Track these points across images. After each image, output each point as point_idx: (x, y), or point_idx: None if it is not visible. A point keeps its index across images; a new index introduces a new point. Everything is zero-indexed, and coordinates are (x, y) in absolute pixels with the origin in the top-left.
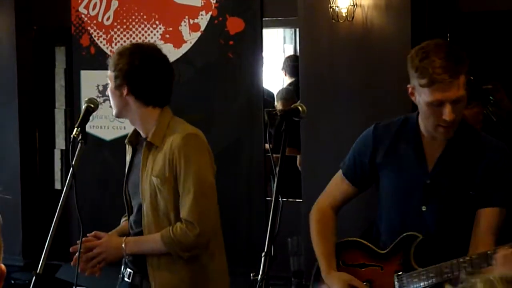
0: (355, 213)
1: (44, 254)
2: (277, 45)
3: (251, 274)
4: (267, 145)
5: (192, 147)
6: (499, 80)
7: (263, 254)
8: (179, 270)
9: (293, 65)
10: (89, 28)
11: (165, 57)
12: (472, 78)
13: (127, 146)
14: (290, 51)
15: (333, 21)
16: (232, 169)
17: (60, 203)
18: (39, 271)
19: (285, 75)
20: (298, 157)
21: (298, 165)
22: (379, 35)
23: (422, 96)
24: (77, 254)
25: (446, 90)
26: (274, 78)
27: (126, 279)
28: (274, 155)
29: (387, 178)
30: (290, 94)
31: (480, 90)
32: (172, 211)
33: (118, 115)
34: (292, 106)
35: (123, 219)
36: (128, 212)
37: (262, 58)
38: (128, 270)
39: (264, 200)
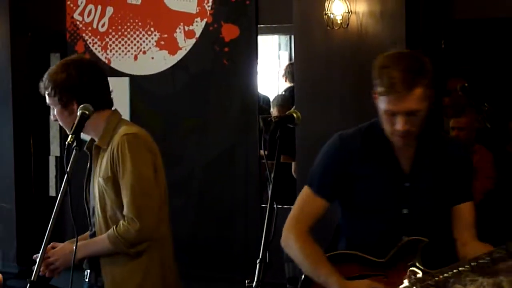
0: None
1: (39, 262)
2: (272, 52)
3: (246, 281)
4: (262, 152)
5: (129, 146)
6: (493, 86)
7: (258, 261)
8: (128, 263)
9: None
10: (84, 34)
11: (93, 61)
12: (466, 84)
13: (75, 151)
14: (285, 58)
15: (328, 28)
16: (227, 175)
17: (54, 210)
18: (34, 278)
19: (286, 80)
20: (293, 164)
21: (293, 172)
22: (373, 42)
23: (379, 103)
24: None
25: (400, 102)
26: (269, 84)
27: (85, 279)
28: (268, 162)
29: (364, 186)
30: (286, 100)
31: (475, 97)
32: (118, 210)
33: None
34: (287, 112)
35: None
36: (88, 216)
37: (257, 64)
38: (87, 270)
39: (259, 207)
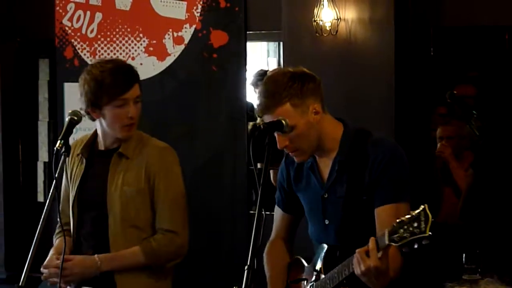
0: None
1: (27, 267)
2: (261, 59)
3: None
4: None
5: (171, 160)
6: (482, 93)
7: (245, 267)
8: (146, 280)
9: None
10: (73, 40)
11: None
12: (455, 92)
13: (72, 158)
14: (274, 65)
15: (317, 35)
16: (215, 182)
17: (43, 216)
18: (22, 283)
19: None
20: (272, 172)
21: (272, 180)
22: (363, 49)
23: None
24: (50, 270)
25: (267, 120)
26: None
27: None
28: (257, 168)
29: (300, 198)
30: None
31: (463, 104)
32: (142, 222)
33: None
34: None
35: (56, 237)
36: (74, 226)
37: (245, 71)
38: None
39: (247, 213)
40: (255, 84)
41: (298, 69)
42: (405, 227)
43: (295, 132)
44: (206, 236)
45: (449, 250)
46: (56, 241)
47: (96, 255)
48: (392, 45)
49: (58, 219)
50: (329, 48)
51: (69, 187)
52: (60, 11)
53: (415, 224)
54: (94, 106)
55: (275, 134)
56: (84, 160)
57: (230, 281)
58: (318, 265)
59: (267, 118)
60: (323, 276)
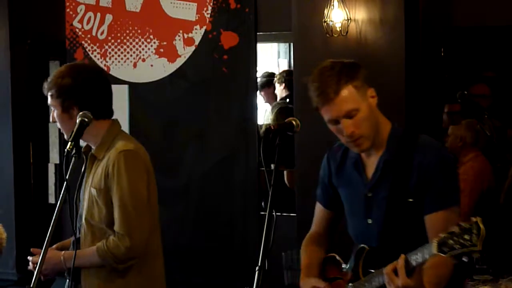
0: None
1: (38, 269)
2: (272, 60)
3: None
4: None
5: (126, 164)
6: (492, 93)
7: (257, 268)
8: (108, 277)
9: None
10: (83, 42)
11: (100, 69)
12: (466, 92)
13: (74, 159)
14: (284, 66)
15: (327, 35)
16: (226, 183)
17: (54, 217)
18: (33, 285)
19: (284, 88)
20: (285, 172)
21: (286, 181)
22: (373, 50)
23: (324, 117)
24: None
25: (334, 107)
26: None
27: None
28: (267, 169)
29: (342, 195)
30: (285, 108)
31: (474, 104)
32: (105, 222)
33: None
34: (286, 120)
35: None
36: (75, 221)
37: (256, 72)
38: (67, 280)
39: (258, 214)
40: (260, 87)
41: (349, 60)
42: (455, 238)
43: (359, 115)
44: (218, 237)
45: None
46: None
47: (63, 252)
48: (403, 45)
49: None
50: (339, 49)
51: None
52: (71, 13)
53: (467, 237)
54: None
55: (341, 122)
56: (85, 159)
57: (241, 282)
58: (357, 266)
59: (329, 110)
60: (362, 278)
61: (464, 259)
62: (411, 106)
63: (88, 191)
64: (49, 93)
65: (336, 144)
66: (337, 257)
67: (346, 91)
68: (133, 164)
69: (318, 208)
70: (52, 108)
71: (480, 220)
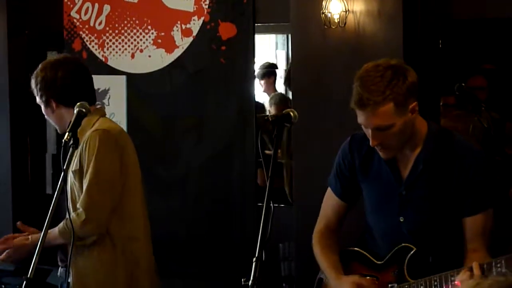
0: (348, 221)
1: (35, 259)
2: (269, 51)
3: (242, 279)
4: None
5: (97, 141)
6: (490, 86)
7: (254, 259)
8: (90, 256)
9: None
10: (81, 32)
11: (74, 59)
12: (463, 84)
13: (72, 149)
14: (282, 57)
15: (325, 27)
16: (224, 174)
17: (51, 208)
18: (30, 275)
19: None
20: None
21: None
22: (371, 41)
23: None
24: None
25: (367, 118)
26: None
27: (61, 276)
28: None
29: (366, 189)
30: (283, 99)
31: (472, 97)
32: None
33: (62, 130)
34: (284, 111)
35: None
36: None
37: (254, 64)
38: (60, 268)
39: (255, 206)
40: (260, 76)
41: (398, 62)
42: None
43: (391, 131)
44: (215, 228)
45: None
46: None
47: (30, 235)
48: (401, 37)
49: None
50: (337, 41)
51: None
52: (68, 3)
53: None
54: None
55: (368, 130)
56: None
57: (238, 273)
58: (402, 267)
59: (361, 117)
60: (410, 280)
61: None
62: None
63: (69, 175)
64: (34, 92)
65: (360, 134)
66: (364, 253)
67: (385, 108)
68: (102, 143)
69: (331, 198)
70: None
71: None
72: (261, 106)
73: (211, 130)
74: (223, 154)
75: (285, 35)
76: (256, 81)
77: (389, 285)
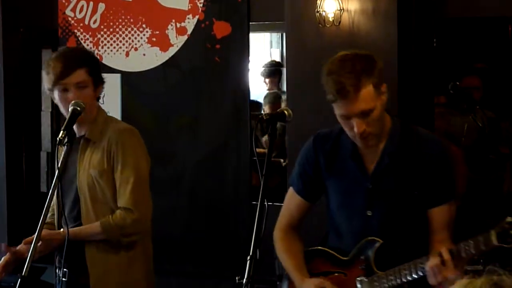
0: (312, 222)
1: (30, 257)
2: (264, 50)
3: (236, 278)
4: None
5: (129, 141)
6: (484, 85)
7: (248, 257)
8: (116, 258)
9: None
10: (75, 30)
11: None
12: (458, 83)
13: (59, 147)
14: (276, 56)
15: (320, 25)
16: (218, 173)
17: (45, 206)
18: (25, 273)
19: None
20: None
21: None
22: (365, 40)
23: (334, 109)
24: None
25: (351, 105)
26: (260, 82)
27: (63, 279)
28: (259, 159)
29: (332, 186)
30: (277, 98)
31: (466, 96)
32: (111, 201)
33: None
34: (278, 110)
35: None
36: (59, 211)
37: (248, 62)
38: (64, 269)
39: (250, 204)
40: (266, 75)
41: (365, 51)
42: None
43: (373, 114)
44: (209, 226)
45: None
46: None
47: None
48: (395, 36)
49: (56, 203)
50: (332, 39)
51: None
52: (63, 1)
53: None
54: (49, 90)
55: (353, 119)
56: (65, 148)
57: (232, 271)
58: (369, 260)
59: (344, 107)
60: (378, 272)
61: None
62: (403, 97)
63: (87, 174)
64: (83, 68)
65: (323, 132)
66: (330, 251)
67: (366, 90)
68: (136, 142)
69: (294, 198)
70: (79, 87)
71: None
72: (258, 105)
73: (205, 129)
74: (218, 152)
75: (280, 34)
76: (252, 79)
77: (357, 279)
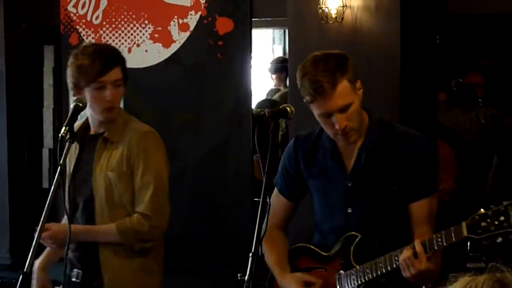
0: (299, 220)
1: (32, 253)
2: (267, 46)
3: (238, 275)
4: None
5: (151, 144)
6: (487, 82)
7: (250, 254)
8: (130, 263)
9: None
10: (78, 27)
11: None
12: (461, 80)
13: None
14: (279, 52)
15: (323, 22)
16: (220, 170)
17: (47, 202)
18: (27, 270)
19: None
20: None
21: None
22: (368, 37)
23: (313, 110)
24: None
25: (329, 102)
26: (262, 79)
27: (74, 279)
28: (260, 155)
29: (313, 186)
30: (279, 95)
31: (469, 92)
32: (128, 205)
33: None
34: (281, 106)
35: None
36: (70, 210)
37: (251, 58)
38: (75, 270)
39: (252, 201)
40: (273, 71)
41: (336, 51)
42: (489, 220)
43: (352, 109)
44: (211, 223)
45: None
46: None
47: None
48: (398, 32)
49: (67, 202)
50: (334, 36)
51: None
52: None
53: (502, 218)
54: (77, 88)
55: (334, 116)
56: (78, 146)
57: (234, 268)
58: (348, 254)
59: (324, 104)
60: (356, 266)
61: (500, 240)
62: (406, 94)
63: (104, 174)
64: (119, 66)
65: (303, 134)
66: (312, 247)
67: (342, 86)
68: (157, 145)
69: (278, 199)
70: (115, 85)
71: None
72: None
73: (207, 125)
74: (220, 149)
75: (282, 30)
76: (254, 75)
77: (337, 273)
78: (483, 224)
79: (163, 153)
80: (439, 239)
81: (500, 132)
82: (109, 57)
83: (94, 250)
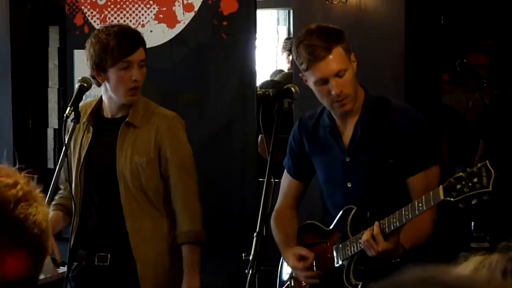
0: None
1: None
2: (271, 27)
3: (243, 254)
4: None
5: (179, 130)
6: (491, 64)
7: (255, 234)
8: (159, 244)
9: None
10: (82, 7)
11: None
12: (465, 60)
13: (81, 126)
14: (283, 33)
15: (327, 2)
16: (225, 150)
17: (52, 182)
18: None
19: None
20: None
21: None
22: (373, 17)
23: (309, 79)
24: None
25: (325, 66)
26: (267, 59)
27: (103, 263)
28: (265, 136)
29: (317, 162)
30: (283, 76)
31: (473, 73)
32: (152, 190)
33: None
34: (285, 87)
35: (52, 209)
36: (80, 195)
37: (255, 39)
38: (103, 254)
39: (256, 181)
40: (288, 49)
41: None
42: (464, 182)
43: (347, 75)
44: (216, 203)
45: (458, 218)
46: (52, 212)
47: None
48: (403, 12)
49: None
50: (339, 16)
51: (73, 155)
52: None
53: (476, 180)
54: (99, 69)
55: (330, 81)
56: (91, 128)
57: (239, 248)
58: (345, 226)
59: (320, 69)
60: (351, 237)
61: (474, 201)
62: (410, 74)
63: (129, 160)
64: (143, 46)
65: (307, 114)
66: (317, 223)
67: (336, 51)
68: (183, 129)
69: (287, 179)
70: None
71: (488, 163)
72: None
73: (212, 106)
74: (225, 129)
75: (287, 10)
76: (259, 56)
77: (334, 246)
78: (458, 186)
79: (186, 139)
80: (394, 220)
81: (489, 118)
82: (134, 37)
83: (122, 233)
